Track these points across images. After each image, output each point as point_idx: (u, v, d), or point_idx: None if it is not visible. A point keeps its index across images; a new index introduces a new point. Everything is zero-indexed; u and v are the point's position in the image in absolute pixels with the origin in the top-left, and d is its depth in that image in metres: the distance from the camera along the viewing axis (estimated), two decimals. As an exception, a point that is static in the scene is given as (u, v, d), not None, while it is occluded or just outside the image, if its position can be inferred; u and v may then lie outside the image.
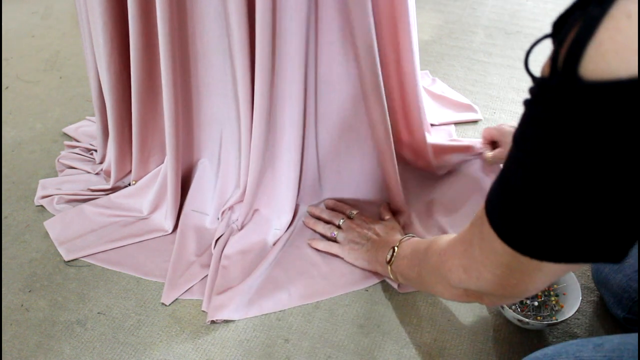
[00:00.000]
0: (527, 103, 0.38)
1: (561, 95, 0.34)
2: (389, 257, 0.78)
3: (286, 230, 0.93)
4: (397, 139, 1.00)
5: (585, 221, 0.37)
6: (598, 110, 0.32)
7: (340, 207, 0.96)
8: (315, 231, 0.94)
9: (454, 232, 0.94)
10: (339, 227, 0.91)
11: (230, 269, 0.86)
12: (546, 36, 0.38)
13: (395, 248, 0.77)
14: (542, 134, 0.36)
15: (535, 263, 0.42)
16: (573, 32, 0.33)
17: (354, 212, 0.93)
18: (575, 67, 0.32)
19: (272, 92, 0.83)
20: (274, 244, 0.91)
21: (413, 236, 0.80)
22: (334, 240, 0.90)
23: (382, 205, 0.96)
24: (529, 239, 0.41)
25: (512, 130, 0.73)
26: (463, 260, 0.52)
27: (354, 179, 0.97)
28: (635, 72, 0.30)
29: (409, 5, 0.87)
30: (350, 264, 0.88)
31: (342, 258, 0.88)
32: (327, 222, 0.93)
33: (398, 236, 0.85)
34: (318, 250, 0.90)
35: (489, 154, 1.00)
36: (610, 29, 0.31)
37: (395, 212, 0.95)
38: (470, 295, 0.56)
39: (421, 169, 1.04)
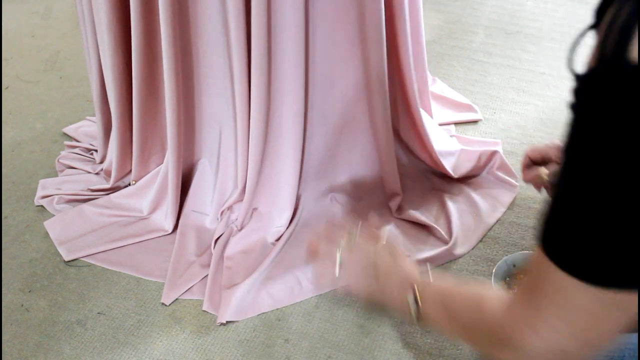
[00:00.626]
0: (573, 107, 0.35)
1: (610, 81, 0.33)
2: (411, 300, 0.62)
3: (287, 226, 0.94)
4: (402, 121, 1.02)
5: None
6: None
7: (341, 226, 0.90)
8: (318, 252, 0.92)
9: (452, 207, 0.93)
10: (340, 247, 0.87)
11: (234, 269, 0.86)
12: (590, 27, 0.37)
13: (417, 292, 0.63)
14: (592, 135, 0.33)
15: (613, 297, 0.35)
16: (620, 18, 0.33)
17: (354, 231, 0.86)
18: (624, 51, 0.32)
19: (269, 90, 0.83)
20: (277, 241, 0.91)
21: (427, 269, 0.67)
22: (335, 263, 0.88)
23: (371, 215, 0.92)
24: (602, 264, 0.35)
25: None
26: (536, 323, 0.41)
27: (353, 167, 0.99)
28: None
29: None
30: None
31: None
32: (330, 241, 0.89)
33: (408, 266, 0.69)
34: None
35: (545, 170, 0.86)
36: None
37: (390, 196, 0.97)
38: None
39: (424, 160, 1.05)
